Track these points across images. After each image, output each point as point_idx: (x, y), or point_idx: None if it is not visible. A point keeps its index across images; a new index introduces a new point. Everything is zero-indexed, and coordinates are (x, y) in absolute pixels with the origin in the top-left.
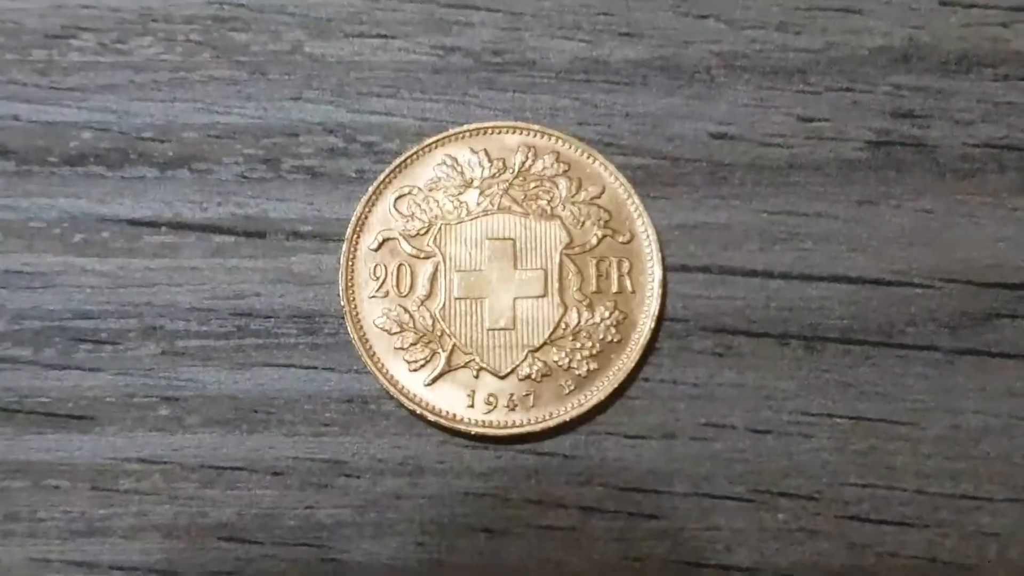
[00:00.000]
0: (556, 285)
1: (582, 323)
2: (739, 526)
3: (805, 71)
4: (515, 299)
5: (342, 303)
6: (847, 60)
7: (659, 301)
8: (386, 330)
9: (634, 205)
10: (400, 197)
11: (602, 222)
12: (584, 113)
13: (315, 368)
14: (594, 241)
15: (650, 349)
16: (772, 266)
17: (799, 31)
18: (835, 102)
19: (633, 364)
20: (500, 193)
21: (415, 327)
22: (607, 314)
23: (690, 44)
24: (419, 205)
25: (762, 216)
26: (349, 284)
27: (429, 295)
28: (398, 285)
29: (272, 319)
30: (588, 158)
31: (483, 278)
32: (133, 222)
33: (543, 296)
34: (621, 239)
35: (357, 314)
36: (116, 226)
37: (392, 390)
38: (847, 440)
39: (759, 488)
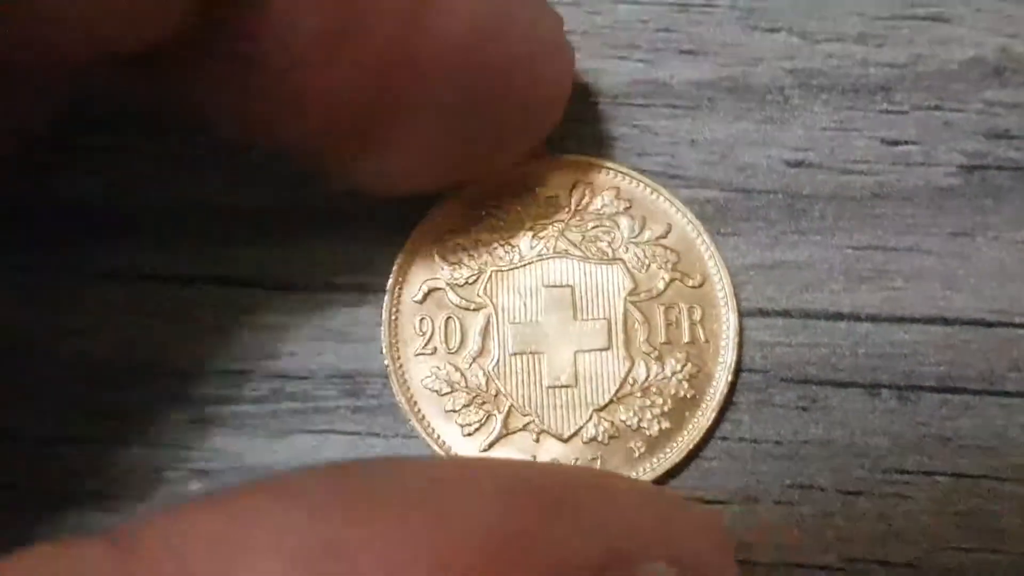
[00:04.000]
0: (621, 336)
1: (651, 378)
2: None
3: (889, 88)
4: (576, 353)
5: (386, 362)
6: (935, 75)
7: (735, 351)
8: (435, 391)
9: (704, 244)
10: (445, 242)
11: (669, 264)
12: (644, 142)
13: (358, 434)
14: (661, 286)
15: (727, 404)
16: (859, 308)
17: (881, 44)
18: (923, 122)
19: (709, 422)
20: (555, 235)
21: (467, 386)
22: (678, 367)
23: (760, 62)
24: (467, 251)
25: (846, 252)
26: (393, 341)
27: (481, 351)
28: (446, 340)
29: (309, 380)
30: (651, 193)
31: (540, 330)
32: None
33: (607, 349)
34: (691, 283)
35: (403, 373)
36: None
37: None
38: (948, 500)
39: (852, 556)
